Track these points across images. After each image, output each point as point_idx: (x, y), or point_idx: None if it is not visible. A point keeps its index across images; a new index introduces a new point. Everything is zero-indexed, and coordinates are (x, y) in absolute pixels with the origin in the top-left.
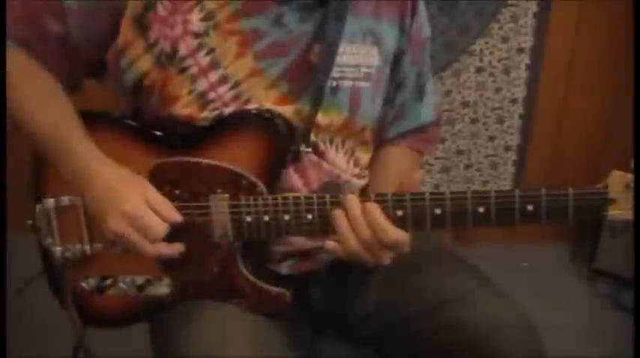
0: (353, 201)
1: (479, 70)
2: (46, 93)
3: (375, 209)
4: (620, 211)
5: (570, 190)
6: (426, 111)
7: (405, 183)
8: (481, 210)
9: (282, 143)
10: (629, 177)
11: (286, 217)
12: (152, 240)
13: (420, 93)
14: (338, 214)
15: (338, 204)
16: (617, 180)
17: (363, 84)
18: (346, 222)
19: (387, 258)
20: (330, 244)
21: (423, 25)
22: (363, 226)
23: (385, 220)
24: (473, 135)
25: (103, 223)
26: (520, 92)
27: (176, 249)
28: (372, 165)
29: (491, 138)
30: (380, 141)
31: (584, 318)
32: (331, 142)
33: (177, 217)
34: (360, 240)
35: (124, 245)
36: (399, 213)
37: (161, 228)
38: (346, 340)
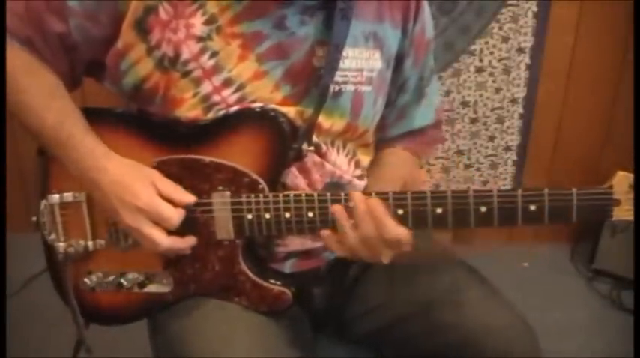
0: (358, 196)
1: (479, 70)
2: (49, 90)
3: (378, 205)
4: (625, 213)
5: (574, 190)
6: (424, 114)
7: (408, 183)
8: (483, 209)
9: (284, 142)
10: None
11: (287, 215)
12: (168, 228)
13: (419, 96)
14: (338, 209)
15: (339, 201)
16: (622, 181)
17: (365, 88)
18: (346, 217)
19: (386, 257)
20: (325, 233)
21: (426, 26)
22: (365, 222)
23: (387, 216)
24: (473, 135)
25: (117, 219)
26: (520, 92)
27: (189, 242)
28: (371, 167)
29: (491, 138)
30: (378, 141)
31: (584, 318)
32: (332, 144)
33: (190, 198)
34: (362, 236)
35: (140, 239)
36: (400, 211)
37: (177, 216)
38: (345, 340)
